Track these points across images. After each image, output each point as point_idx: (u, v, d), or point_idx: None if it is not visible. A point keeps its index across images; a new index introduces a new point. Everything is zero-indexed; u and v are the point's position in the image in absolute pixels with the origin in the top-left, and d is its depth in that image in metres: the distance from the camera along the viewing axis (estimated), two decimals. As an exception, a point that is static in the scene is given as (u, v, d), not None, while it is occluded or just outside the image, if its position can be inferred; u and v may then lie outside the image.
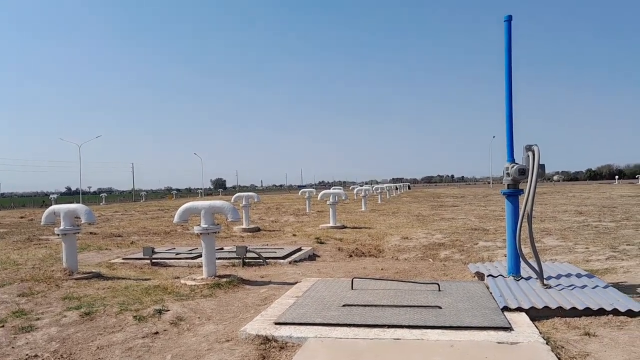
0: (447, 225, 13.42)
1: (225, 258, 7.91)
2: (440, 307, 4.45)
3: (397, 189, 47.35)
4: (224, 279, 6.12)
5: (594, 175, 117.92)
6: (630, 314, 4.18)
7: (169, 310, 4.79)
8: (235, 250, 7.79)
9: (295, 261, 8.04)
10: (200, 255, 6.67)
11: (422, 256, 8.54)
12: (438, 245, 9.66)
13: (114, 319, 4.60)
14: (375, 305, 4.58)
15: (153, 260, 8.07)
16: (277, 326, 4.09)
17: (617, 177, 78.55)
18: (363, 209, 21.84)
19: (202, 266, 6.34)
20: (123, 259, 8.61)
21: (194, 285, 5.94)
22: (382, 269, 7.24)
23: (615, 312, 4.22)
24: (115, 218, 21.33)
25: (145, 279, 6.65)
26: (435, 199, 32.50)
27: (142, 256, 8.18)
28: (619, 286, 5.23)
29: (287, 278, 6.55)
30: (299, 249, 8.92)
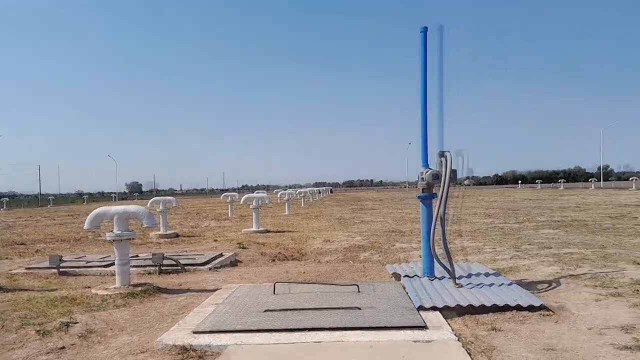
0: (367, 228, 13.78)
1: (141, 266, 7.55)
2: (359, 308, 4.54)
3: (319, 192, 47.93)
4: (139, 288, 5.84)
5: (499, 180, 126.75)
6: (531, 309, 4.52)
7: (77, 323, 4.48)
8: (151, 257, 7.47)
9: (216, 267, 7.85)
10: (113, 264, 6.32)
11: (343, 258, 8.69)
12: (358, 247, 9.88)
13: (14, 334, 4.23)
14: (297, 309, 4.58)
15: (61, 270, 7.51)
16: (196, 335, 3.96)
17: (519, 182, 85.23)
18: (286, 213, 21.86)
19: (115, 275, 6.00)
20: (26, 268, 7.94)
21: (106, 295, 5.61)
22: (304, 273, 7.27)
23: (519, 307, 4.55)
24: (18, 224, 19.66)
25: (52, 290, 6.18)
26: (356, 203, 33.31)
27: (49, 265, 7.59)
28: (521, 283, 5.65)
29: (207, 285, 6.39)
30: (220, 255, 8.73)
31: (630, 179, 47.66)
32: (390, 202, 32.07)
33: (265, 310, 4.57)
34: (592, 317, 4.26)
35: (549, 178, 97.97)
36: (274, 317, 4.36)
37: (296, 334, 3.91)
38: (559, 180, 69.16)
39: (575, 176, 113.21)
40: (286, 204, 23.02)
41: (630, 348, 3.45)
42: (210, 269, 7.71)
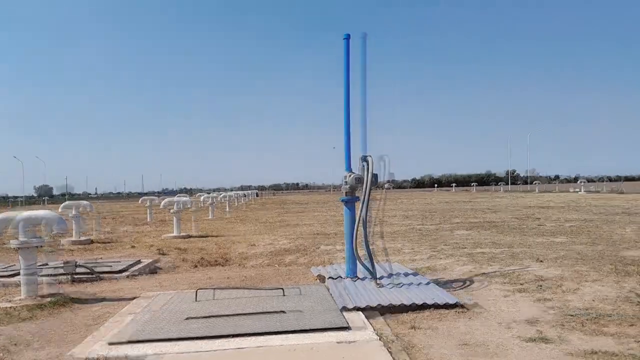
0: (293, 231, 13.82)
1: (51, 275, 7.03)
2: (284, 312, 4.54)
3: (245, 196, 47.36)
4: (48, 299, 5.43)
5: (418, 184, 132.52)
6: (447, 306, 4.76)
7: (-26, 340, 4.08)
8: (62, 265, 6.98)
9: (134, 275, 7.50)
10: (19, 273, 5.83)
11: (268, 262, 8.64)
12: (284, 250, 9.88)
13: None
14: (220, 316, 4.49)
15: (-46, 282, 6.81)
16: (111, 346, 3.76)
17: (436, 185, 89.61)
18: (210, 217, 21.37)
19: (20, 285, 5.55)
20: None
21: (11, 307, 5.16)
22: (228, 278, 7.15)
23: (436, 305, 4.77)
24: None
25: (-57, 305, 5.58)
26: (282, 206, 33.31)
27: (-60, 278, 6.86)
28: (439, 282, 5.93)
29: (124, 294, 6.08)
30: (138, 262, 8.35)
31: (534, 182, 51.84)
32: (316, 205, 32.40)
33: (186, 318, 4.43)
34: (502, 312, 4.56)
35: (463, 182, 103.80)
36: (195, 324, 4.24)
37: (218, 341, 3.83)
38: (472, 184, 73.57)
39: (486, 180, 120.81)
40: (210, 208, 22.51)
41: (534, 340, 3.74)
42: (127, 276, 7.35)
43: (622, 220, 13.68)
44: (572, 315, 4.27)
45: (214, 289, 5.84)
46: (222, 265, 8.58)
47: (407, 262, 7.76)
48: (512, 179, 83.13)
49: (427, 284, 5.66)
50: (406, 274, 6.26)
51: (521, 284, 5.65)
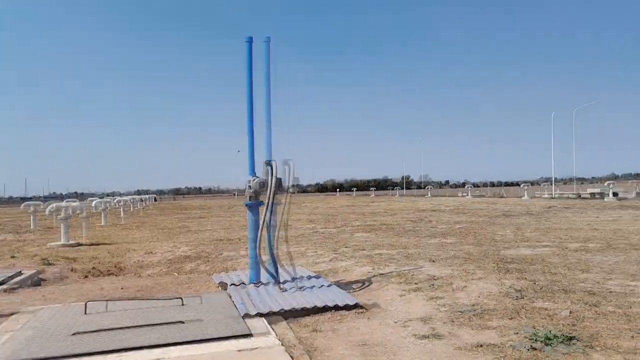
0: (194, 237, 13.39)
1: None
2: (183, 322, 4.37)
3: (142, 201, 45.03)
4: None
5: (321, 188, 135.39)
6: (347, 307, 4.89)
7: None
8: None
9: (13, 288, 6.78)
10: None
11: (167, 271, 8.28)
12: (184, 258, 9.53)
13: None
14: (113, 329, 4.21)
15: None
16: (-17, 371, 3.36)
17: (338, 190, 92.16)
18: (103, 224, 20.01)
19: None
20: None
21: None
22: (122, 288, 6.73)
23: (337, 307, 4.88)
24: None
25: None
26: (183, 211, 32.15)
27: None
28: (340, 284, 6.08)
29: (1, 309, 5.47)
30: (19, 274, 7.58)
31: (427, 187, 55.33)
32: (219, 210, 31.69)
33: (74, 334, 4.10)
34: (398, 312, 4.79)
35: (363, 186, 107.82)
36: (84, 339, 3.93)
37: (111, 356, 3.59)
38: (371, 189, 76.64)
39: (384, 185, 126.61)
40: (102, 213, 21.08)
41: (428, 337, 3.96)
42: (5, 290, 6.64)
43: (502, 222, 15.03)
44: (461, 312, 4.60)
45: (106, 300, 5.47)
46: (116, 275, 8.07)
47: (310, 265, 7.86)
48: (407, 184, 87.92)
49: (329, 286, 5.78)
50: (309, 277, 6.33)
51: (416, 284, 5.97)
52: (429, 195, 52.31)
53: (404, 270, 6.88)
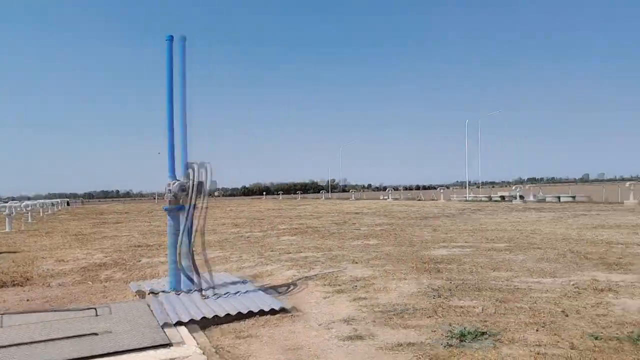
0: (110, 244, 12.69)
1: None
2: (96, 334, 4.12)
3: (53, 205, 42.05)
4: None
5: (247, 192, 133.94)
6: (272, 312, 4.86)
7: None
8: None
9: None
10: None
11: (80, 280, 7.77)
12: (99, 265, 8.99)
13: None
14: (15, 345, 3.87)
15: None
16: None
17: (264, 193, 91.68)
18: (7, 230, 18.43)
19: None
20: None
21: None
22: (28, 300, 6.22)
23: (262, 312, 4.83)
24: None
25: None
26: (98, 216, 30.36)
27: None
28: (265, 288, 6.03)
29: None
30: None
31: (351, 190, 56.64)
32: (137, 215, 30.28)
33: (-31, 352, 3.72)
34: (322, 314, 4.83)
35: (289, 190, 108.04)
36: (-18, 359, 3.58)
37: (13, 375, 3.30)
38: (297, 192, 77.03)
39: (310, 188, 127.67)
40: (7, 219, 19.41)
41: (351, 338, 4.03)
42: None
43: (421, 223, 15.69)
44: (382, 312, 4.72)
45: (10, 313, 5.03)
46: (22, 286, 7.45)
47: (234, 270, 7.72)
48: (332, 187, 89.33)
49: (254, 291, 5.71)
50: (233, 283, 6.22)
51: (339, 285, 6.06)
52: (353, 198, 53.50)
53: (329, 273, 6.96)
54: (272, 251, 9.82)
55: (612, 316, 4.33)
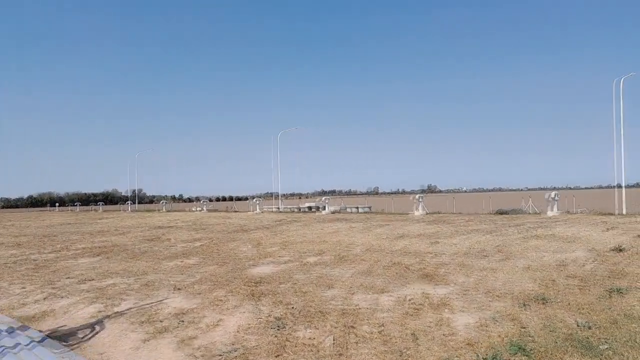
0: None
1: None
2: None
3: None
4: None
5: (34, 202, 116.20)
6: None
7: None
8: None
9: None
10: None
11: None
12: None
13: None
14: None
15: None
16: None
17: (57, 204, 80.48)
18: None
19: None
20: None
21: None
22: None
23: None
24: None
25: None
26: None
27: None
28: (59, 333, 4.62)
29: None
30: None
31: (161, 202, 53.05)
32: None
33: None
34: (142, 366, 3.77)
35: (88, 200, 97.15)
36: None
37: None
38: (98, 203, 69.39)
39: (112, 198, 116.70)
40: None
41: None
42: None
43: (241, 237, 15.05)
44: (220, 356, 3.89)
45: None
46: None
47: (15, 307, 5.95)
48: (139, 198, 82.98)
49: (42, 340, 4.30)
50: (10, 330, 4.65)
51: (161, 321, 5.00)
52: (164, 210, 50.15)
53: (146, 305, 5.79)
54: (68, 278, 8.04)
55: (458, 336, 4.27)
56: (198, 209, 49.31)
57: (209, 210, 46.55)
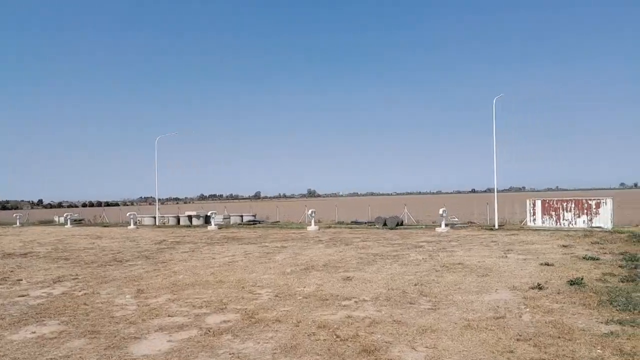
0: None
1: None
2: None
3: None
4: None
5: None
6: None
7: None
8: None
9: None
10: None
11: None
12: None
13: None
14: None
15: None
16: None
17: None
18: None
19: None
20: None
21: None
22: None
23: None
24: None
25: None
26: None
27: None
28: None
29: None
30: None
31: (15, 215, 44.97)
32: None
33: None
34: None
35: None
36: None
37: None
38: None
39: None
40: None
41: None
42: None
43: (115, 275, 12.50)
44: None
45: None
46: None
47: None
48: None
49: None
50: None
51: None
52: (18, 224, 42.35)
53: None
54: None
55: None
56: (61, 220, 43.22)
57: (75, 222, 41.14)
